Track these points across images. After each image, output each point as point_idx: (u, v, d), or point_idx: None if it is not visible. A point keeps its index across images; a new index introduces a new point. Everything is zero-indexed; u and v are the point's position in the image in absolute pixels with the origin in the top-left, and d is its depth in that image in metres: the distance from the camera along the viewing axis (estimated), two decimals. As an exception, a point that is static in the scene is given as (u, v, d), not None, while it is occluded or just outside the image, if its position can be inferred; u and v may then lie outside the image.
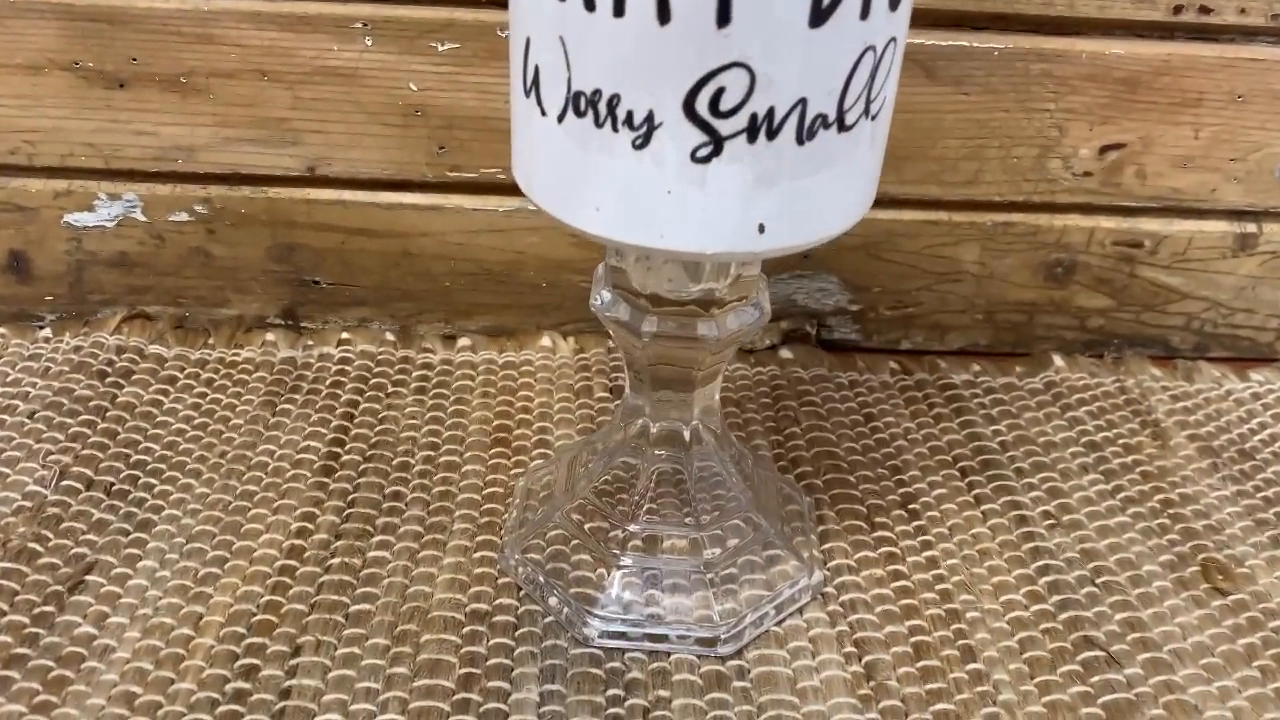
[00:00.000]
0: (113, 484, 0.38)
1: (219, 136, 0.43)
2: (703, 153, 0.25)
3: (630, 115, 0.24)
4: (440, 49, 0.42)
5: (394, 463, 0.40)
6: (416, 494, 0.38)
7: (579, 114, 0.25)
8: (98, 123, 0.43)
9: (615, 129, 0.25)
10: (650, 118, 0.24)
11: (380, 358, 0.45)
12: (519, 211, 0.45)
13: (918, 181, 0.45)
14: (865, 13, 0.24)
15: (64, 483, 0.37)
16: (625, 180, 0.25)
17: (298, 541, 0.36)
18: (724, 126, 0.24)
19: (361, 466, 0.39)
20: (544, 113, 0.26)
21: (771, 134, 0.24)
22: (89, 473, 0.38)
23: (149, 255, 0.46)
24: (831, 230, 0.27)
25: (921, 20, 0.42)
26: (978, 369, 0.47)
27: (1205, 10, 0.42)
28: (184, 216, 0.45)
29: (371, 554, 0.35)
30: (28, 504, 0.36)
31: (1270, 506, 0.40)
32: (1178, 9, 0.42)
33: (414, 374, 0.45)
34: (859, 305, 0.48)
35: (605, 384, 0.45)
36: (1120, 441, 0.43)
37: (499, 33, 0.42)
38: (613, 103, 0.25)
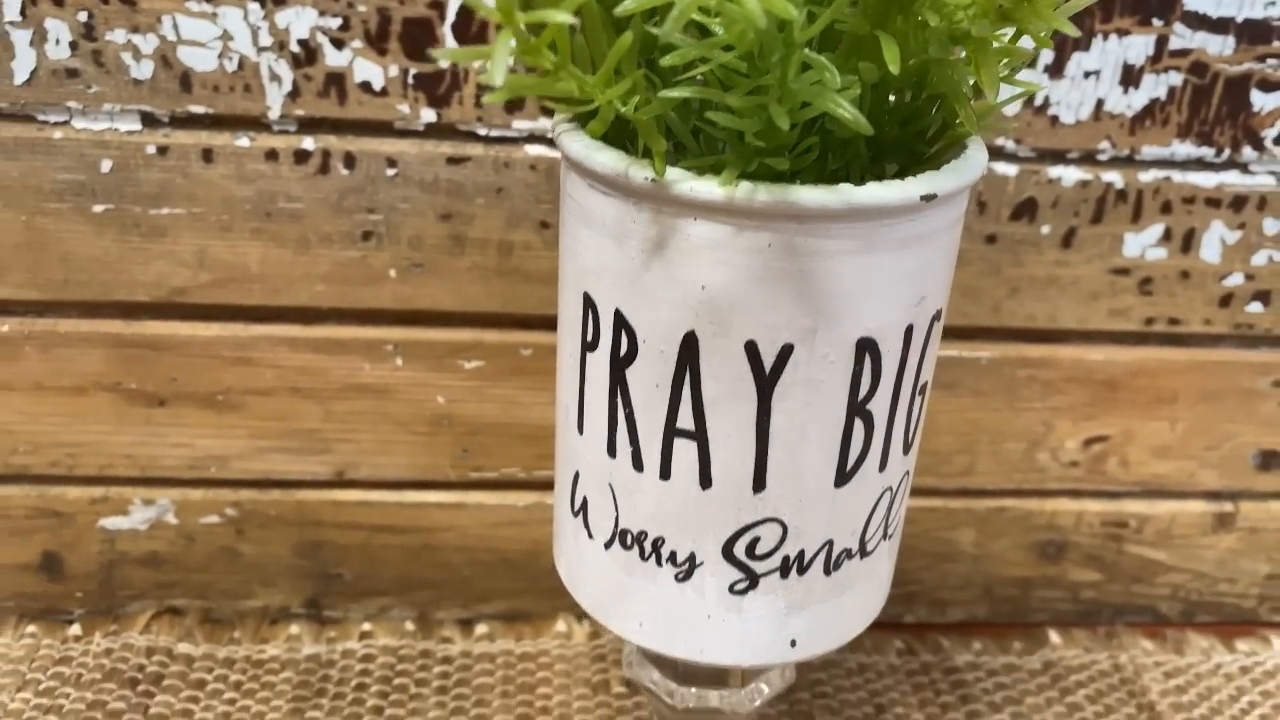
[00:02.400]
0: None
1: (252, 447, 0.46)
2: (740, 587, 0.27)
3: (674, 554, 0.27)
4: (467, 366, 0.45)
5: (422, 780, 0.41)
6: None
7: (625, 547, 0.27)
8: (137, 436, 0.45)
9: (659, 564, 0.27)
10: (692, 558, 0.27)
11: (401, 652, 0.47)
12: (537, 505, 0.47)
13: (915, 474, 0.48)
14: (884, 465, 0.27)
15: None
16: (668, 604, 0.28)
17: None
18: (759, 567, 0.27)
19: (391, 787, 0.40)
20: (591, 536, 0.28)
21: (802, 570, 0.27)
22: (124, 803, 0.39)
23: (179, 554, 0.47)
24: (856, 632, 0.29)
25: (914, 335, 0.45)
26: (979, 647, 0.49)
27: (1174, 321, 0.46)
28: (214, 519, 0.47)
29: None
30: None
31: (1267, 805, 0.42)
32: (1149, 320, 0.46)
33: (435, 670, 0.46)
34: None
35: (621, 677, 0.46)
36: (1119, 730, 0.45)
37: (521, 352, 0.45)
38: (657, 543, 0.27)
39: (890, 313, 0.24)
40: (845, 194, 0.22)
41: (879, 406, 0.26)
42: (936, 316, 0.26)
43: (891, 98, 0.25)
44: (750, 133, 0.22)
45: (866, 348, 0.25)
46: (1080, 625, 0.51)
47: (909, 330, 0.25)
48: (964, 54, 0.23)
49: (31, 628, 0.47)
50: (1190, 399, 0.47)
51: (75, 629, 0.47)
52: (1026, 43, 0.24)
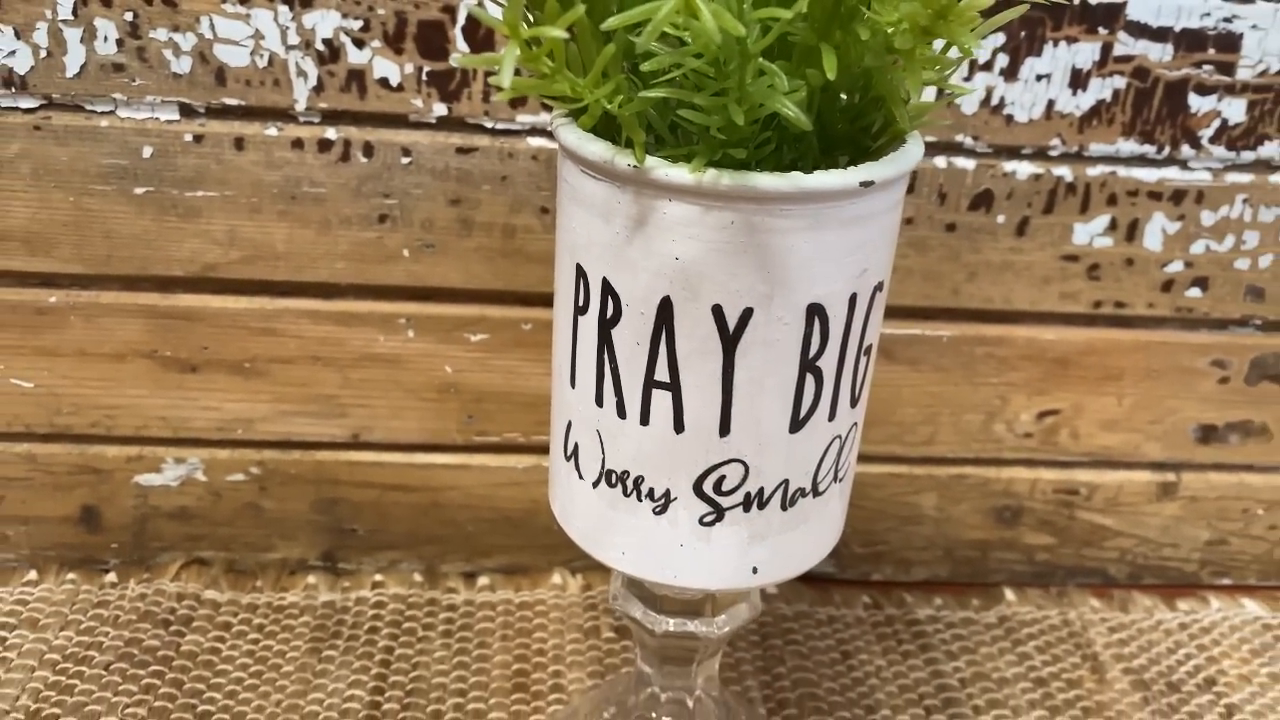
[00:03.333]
0: (183, 737, 0.43)
1: (275, 411, 0.50)
2: (708, 519, 0.31)
3: (652, 491, 0.31)
4: (473, 339, 0.49)
5: (428, 710, 0.45)
6: (450, 743, 0.43)
7: (610, 485, 0.32)
8: (170, 400, 0.49)
9: (639, 500, 0.31)
10: (667, 493, 0.31)
11: (410, 600, 0.51)
12: (536, 467, 0.52)
13: (882, 442, 0.52)
14: (833, 416, 0.31)
15: (140, 737, 0.42)
16: (646, 534, 0.32)
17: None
18: (725, 501, 0.31)
19: (400, 716, 0.45)
20: (581, 477, 0.33)
21: (762, 506, 0.31)
22: (161, 726, 0.43)
23: (206, 509, 0.51)
24: (811, 563, 0.34)
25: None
26: (939, 602, 0.53)
27: (1120, 305, 0.50)
28: (240, 477, 0.51)
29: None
30: (110, 759, 0.41)
31: (1193, 742, 0.46)
32: (1097, 304, 0.50)
33: (440, 616, 0.50)
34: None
35: (611, 623, 0.50)
36: (1064, 676, 0.49)
37: (523, 326, 0.49)
38: (638, 481, 0.31)
39: (836, 282, 0.29)
40: (796, 180, 0.27)
41: (828, 364, 0.30)
42: (878, 287, 0.30)
43: (843, 97, 0.30)
44: (715, 127, 0.26)
45: (816, 312, 0.29)
46: (1034, 585, 0.55)
47: (853, 298, 0.29)
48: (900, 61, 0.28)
49: (71, 575, 0.51)
50: (1135, 376, 0.52)
51: (111, 576, 0.51)
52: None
